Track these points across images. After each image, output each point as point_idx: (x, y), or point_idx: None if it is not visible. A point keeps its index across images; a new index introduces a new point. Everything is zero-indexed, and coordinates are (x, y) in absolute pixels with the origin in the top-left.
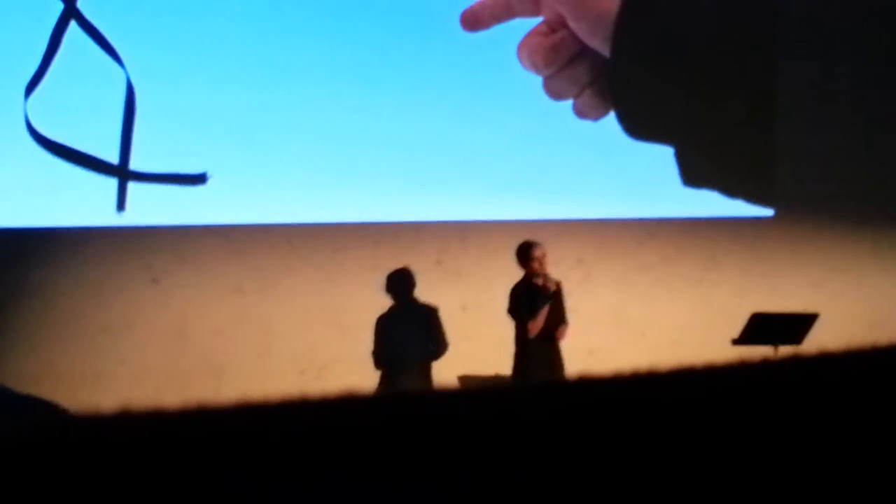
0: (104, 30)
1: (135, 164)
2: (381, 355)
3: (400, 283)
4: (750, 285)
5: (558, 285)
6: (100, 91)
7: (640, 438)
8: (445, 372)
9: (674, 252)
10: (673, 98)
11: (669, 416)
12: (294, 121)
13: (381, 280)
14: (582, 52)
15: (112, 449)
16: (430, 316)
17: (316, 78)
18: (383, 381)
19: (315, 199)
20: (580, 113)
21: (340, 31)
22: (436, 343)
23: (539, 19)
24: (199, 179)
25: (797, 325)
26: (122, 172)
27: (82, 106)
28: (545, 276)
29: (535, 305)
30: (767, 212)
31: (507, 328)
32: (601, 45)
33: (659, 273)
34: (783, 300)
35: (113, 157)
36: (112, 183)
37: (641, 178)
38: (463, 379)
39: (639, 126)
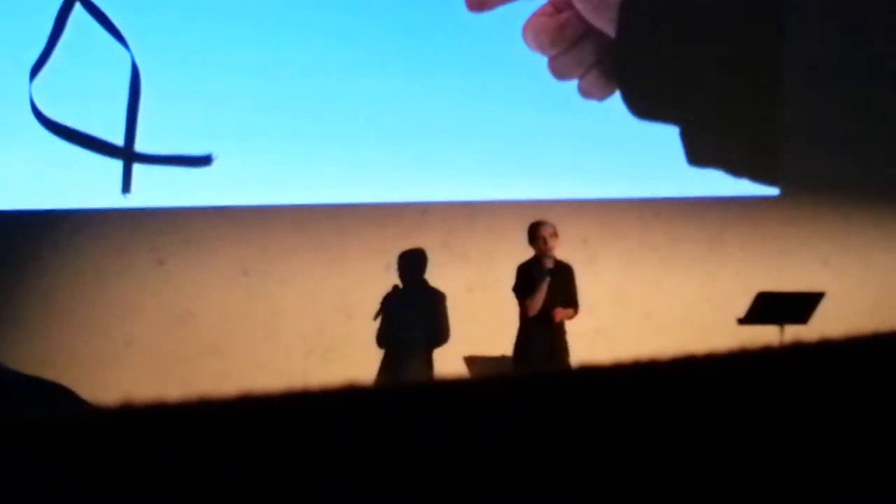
0: (109, 11)
1: (140, 146)
2: (384, 336)
3: (409, 263)
4: (755, 265)
5: (569, 268)
6: (105, 73)
7: (641, 431)
8: (451, 353)
9: (679, 232)
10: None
11: (668, 409)
12: (300, 102)
13: (388, 261)
14: (587, 33)
15: (115, 443)
16: (436, 301)
17: (322, 59)
18: (385, 362)
19: (321, 180)
20: (585, 93)
21: (347, 11)
22: (438, 329)
23: (545, 0)
24: (204, 161)
25: (803, 304)
26: (127, 154)
27: (87, 88)
28: (547, 255)
29: (534, 284)
30: (773, 191)
31: (513, 309)
32: (607, 26)
33: (664, 253)
34: (789, 279)
35: (118, 139)
36: (117, 165)
37: (646, 158)
38: (468, 360)
39: (644, 106)
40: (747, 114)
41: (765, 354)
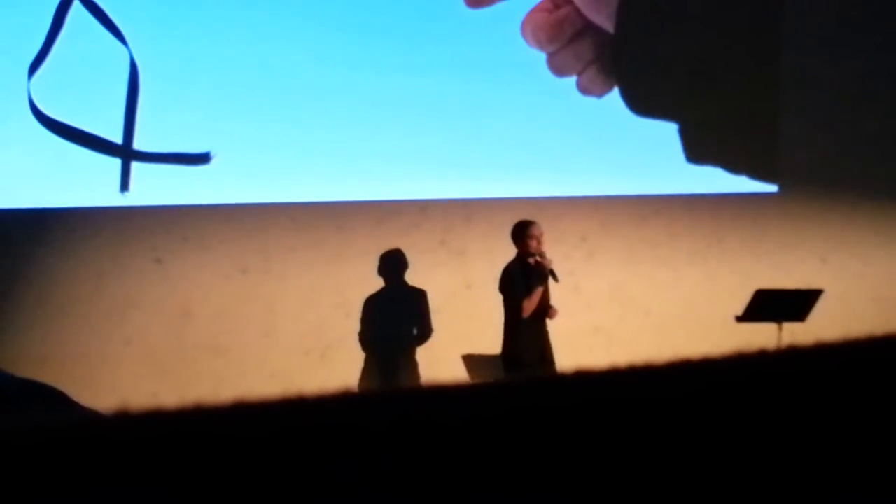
0: (107, 9)
1: (138, 144)
2: (367, 336)
3: (390, 265)
4: (754, 262)
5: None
6: (103, 70)
7: (638, 436)
8: (449, 351)
9: (678, 229)
10: (677, 75)
11: (664, 413)
12: (298, 100)
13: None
14: (586, 29)
15: (110, 449)
16: (417, 299)
17: (320, 57)
18: (368, 363)
19: (319, 179)
20: (584, 89)
21: (346, 9)
22: (420, 328)
23: None
24: (202, 159)
25: (801, 301)
26: (125, 152)
27: (85, 85)
28: (542, 256)
29: (531, 285)
30: (771, 188)
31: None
32: (605, 21)
33: (663, 250)
34: (787, 276)
35: (116, 137)
36: (116, 163)
37: (645, 155)
38: (466, 358)
39: (643, 102)
40: (746, 111)
41: (760, 358)
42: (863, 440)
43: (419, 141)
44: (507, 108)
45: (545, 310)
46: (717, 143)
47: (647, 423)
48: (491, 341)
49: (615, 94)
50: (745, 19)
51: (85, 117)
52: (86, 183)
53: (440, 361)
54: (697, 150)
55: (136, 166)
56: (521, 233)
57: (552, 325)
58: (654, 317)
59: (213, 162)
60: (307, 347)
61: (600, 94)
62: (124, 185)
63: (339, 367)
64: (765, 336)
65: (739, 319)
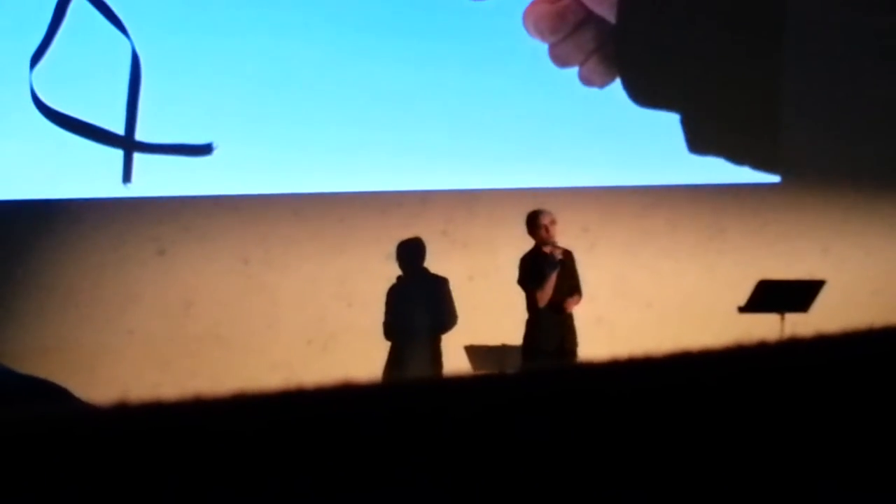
0: (109, 0)
1: (140, 135)
2: (391, 326)
3: (409, 252)
4: (756, 252)
5: (569, 254)
6: (105, 62)
7: (637, 429)
8: (453, 342)
9: (680, 220)
10: (679, 65)
11: (665, 405)
12: (299, 91)
13: (388, 249)
14: (588, 19)
15: (110, 443)
16: (439, 287)
17: (321, 48)
18: (392, 352)
19: (321, 169)
20: (586, 80)
21: (345, 1)
22: (445, 315)
23: None
24: (204, 150)
25: (804, 291)
26: (127, 143)
27: (88, 77)
28: (552, 244)
29: (544, 274)
30: (773, 178)
31: (514, 297)
32: (607, 12)
33: (665, 241)
34: (790, 267)
35: (119, 129)
36: (118, 154)
37: (647, 146)
38: (470, 349)
39: (645, 93)
40: (748, 101)
41: (760, 350)
42: (864, 432)
43: (420, 132)
44: (509, 99)
45: (564, 300)
46: (718, 134)
47: (648, 415)
48: (495, 332)
49: (617, 85)
50: (747, 9)
51: (87, 108)
52: (88, 174)
53: (444, 352)
54: (699, 141)
55: (138, 157)
56: (532, 223)
57: None
58: (655, 307)
59: (215, 153)
60: (309, 338)
61: (602, 85)
62: (126, 177)
63: (342, 357)
64: (767, 327)
65: (742, 310)
